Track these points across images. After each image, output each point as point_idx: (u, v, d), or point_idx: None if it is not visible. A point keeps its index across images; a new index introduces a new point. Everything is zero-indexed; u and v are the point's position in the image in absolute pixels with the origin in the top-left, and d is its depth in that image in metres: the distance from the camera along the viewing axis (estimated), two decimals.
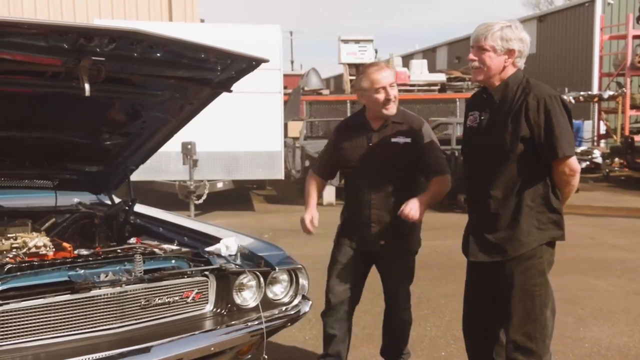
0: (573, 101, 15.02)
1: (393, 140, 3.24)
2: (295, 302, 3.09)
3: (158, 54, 2.74)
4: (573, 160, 2.71)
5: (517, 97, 2.72)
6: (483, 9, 77.10)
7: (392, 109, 3.23)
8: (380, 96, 3.18)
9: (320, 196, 3.58)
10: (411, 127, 3.27)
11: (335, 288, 3.34)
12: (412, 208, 3.08)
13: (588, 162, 14.50)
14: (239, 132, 9.66)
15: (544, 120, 2.66)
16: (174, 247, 3.13)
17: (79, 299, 2.47)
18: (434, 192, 3.26)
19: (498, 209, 2.80)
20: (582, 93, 16.14)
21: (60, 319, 2.44)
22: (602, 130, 17.09)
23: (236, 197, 11.21)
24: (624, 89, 16.25)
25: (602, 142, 17.11)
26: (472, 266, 3.00)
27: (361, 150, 3.28)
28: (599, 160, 14.83)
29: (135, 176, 3.88)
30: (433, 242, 7.92)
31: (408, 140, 3.24)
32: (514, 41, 2.73)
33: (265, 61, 3.06)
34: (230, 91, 3.26)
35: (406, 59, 21.08)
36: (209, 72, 3.09)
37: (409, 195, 3.17)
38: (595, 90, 17.98)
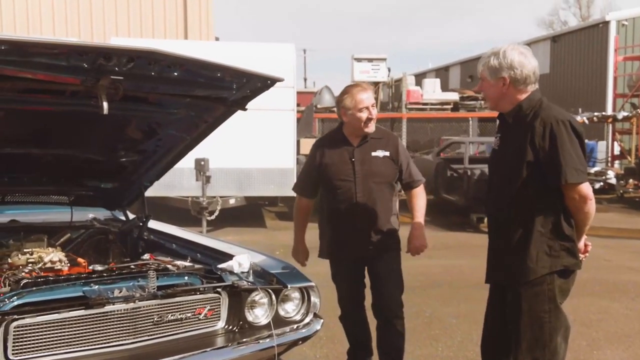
0: (587, 122, 14.95)
1: (373, 154, 3.52)
2: (307, 320, 3.10)
3: (175, 73, 2.77)
4: (583, 187, 2.65)
5: (528, 120, 2.71)
6: (496, 29, 77.22)
7: (372, 127, 3.50)
8: (363, 115, 3.44)
9: (308, 219, 3.84)
10: (388, 141, 3.58)
11: (344, 295, 3.65)
12: (418, 238, 3.55)
13: (602, 183, 14.40)
14: (251, 149, 9.71)
15: (548, 146, 2.63)
16: (187, 263, 3.16)
17: (92, 314, 2.49)
18: (422, 205, 3.67)
19: (508, 232, 2.79)
20: (596, 114, 16.04)
21: (74, 334, 2.46)
22: (616, 151, 16.99)
23: (248, 213, 11.23)
24: (638, 109, 16.14)
25: (616, 163, 16.98)
26: (492, 287, 3.01)
27: (344, 166, 3.51)
28: (613, 181, 14.72)
29: (148, 192, 3.92)
30: (445, 262, 7.88)
31: (387, 153, 3.53)
32: (502, 69, 2.73)
33: (280, 80, 3.09)
34: (245, 109, 3.29)
35: (419, 78, 21.15)
36: (225, 91, 3.12)
37: (390, 202, 3.56)
38: (609, 111, 17.89)
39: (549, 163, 2.64)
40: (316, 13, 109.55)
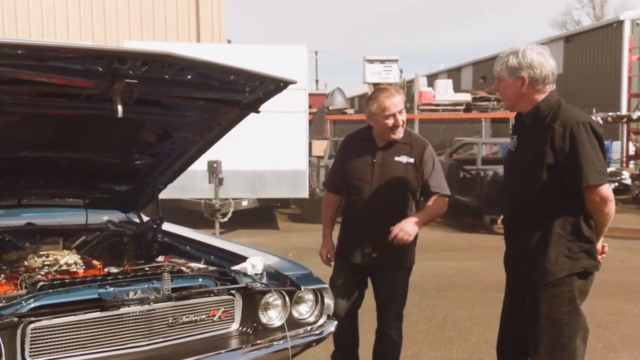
0: (601, 122, 14.80)
1: (397, 159, 3.36)
2: (321, 321, 3.09)
3: (189, 77, 2.78)
4: (604, 189, 2.63)
5: (547, 122, 2.69)
6: (509, 29, 76.95)
7: (399, 134, 3.35)
8: (390, 122, 3.30)
9: (337, 215, 3.71)
10: (415, 147, 3.40)
11: (339, 301, 3.42)
12: (402, 228, 3.20)
13: (617, 184, 14.26)
14: (264, 151, 9.76)
15: (569, 148, 2.62)
16: (201, 265, 3.16)
17: (108, 316, 2.50)
18: (430, 212, 3.39)
19: (526, 235, 2.77)
20: (610, 114, 15.90)
21: (90, 336, 2.47)
22: (631, 151, 16.83)
23: (261, 215, 11.26)
24: None
25: (631, 163, 16.82)
26: (508, 290, 3.00)
27: (364, 166, 3.40)
28: (628, 181, 14.57)
29: (162, 194, 3.94)
30: (458, 264, 7.85)
31: (411, 160, 3.37)
32: (521, 69, 2.71)
33: (293, 82, 3.10)
34: (258, 112, 3.30)
35: (431, 79, 21.09)
36: (238, 94, 3.13)
37: (405, 214, 3.32)
38: (624, 111, 17.73)
39: (569, 165, 2.62)
40: (328, 16, 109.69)
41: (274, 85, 3.10)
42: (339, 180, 3.58)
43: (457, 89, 18.61)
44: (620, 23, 20.09)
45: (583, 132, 2.62)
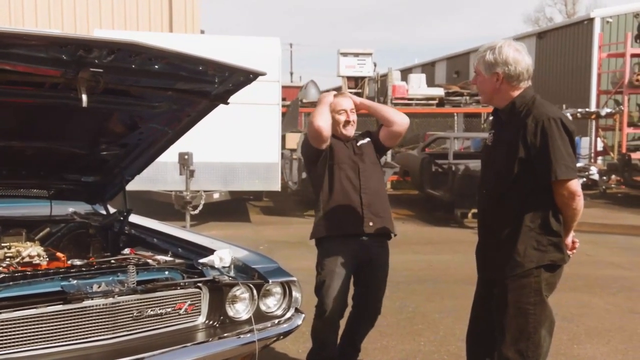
0: (571, 118, 15.09)
1: (360, 143, 3.75)
2: (288, 314, 3.10)
3: (156, 66, 2.76)
4: (572, 184, 2.70)
5: (521, 117, 2.75)
6: (484, 25, 77.55)
7: (350, 131, 3.70)
8: (342, 117, 3.66)
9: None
10: (363, 133, 3.86)
11: (330, 295, 3.53)
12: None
13: (585, 179, 14.54)
14: (236, 143, 9.68)
15: (540, 143, 2.68)
16: (168, 258, 3.14)
17: (71, 309, 2.47)
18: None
19: (498, 227, 2.83)
20: (579, 110, 16.23)
21: (53, 329, 2.44)
22: (600, 147, 17.16)
23: (232, 208, 11.21)
24: (621, 106, 16.34)
25: (599, 159, 17.16)
26: (479, 281, 3.06)
27: (345, 151, 3.69)
28: (596, 177, 14.87)
29: (132, 186, 3.90)
30: (429, 257, 7.93)
31: (368, 139, 3.79)
32: (496, 65, 2.77)
33: (263, 74, 3.09)
34: (228, 103, 3.29)
35: (405, 73, 21.20)
36: (207, 85, 3.11)
37: (382, 180, 3.89)
38: (593, 108, 18.08)
39: (539, 160, 2.68)
40: (304, 9, 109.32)
41: (244, 77, 3.08)
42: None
43: (430, 83, 18.73)
44: (591, 21, 20.44)
45: (554, 128, 2.68)
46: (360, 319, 3.76)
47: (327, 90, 4.11)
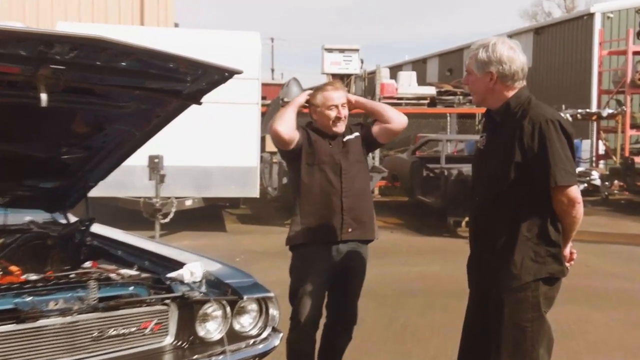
0: (570, 119, 15.24)
1: (346, 138, 3.69)
2: (265, 334, 3.08)
3: (123, 63, 2.74)
4: (572, 190, 2.71)
5: (516, 119, 2.77)
6: (478, 20, 78.45)
7: (340, 127, 3.64)
8: (332, 113, 3.59)
9: None
10: (353, 125, 3.79)
11: (305, 304, 3.51)
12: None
13: (586, 185, 14.68)
14: (211, 146, 9.62)
15: (537, 146, 2.69)
16: (133, 272, 3.11)
17: (25, 329, 2.43)
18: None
19: (492, 237, 2.83)
20: (579, 111, 16.36)
21: (5, 351, 2.39)
22: (601, 150, 17.34)
23: (207, 216, 11.14)
24: (623, 107, 16.52)
25: (601, 163, 17.34)
26: (472, 294, 3.05)
27: (328, 149, 3.65)
28: (598, 182, 15.00)
29: (96, 192, 3.86)
30: (419, 268, 7.94)
31: (357, 134, 3.74)
32: (490, 64, 2.79)
33: (239, 72, 3.08)
34: (200, 104, 3.28)
35: (394, 70, 21.26)
36: (178, 83, 3.10)
37: (367, 179, 3.82)
38: (594, 108, 18.27)
39: (537, 164, 2.70)
40: (287, 1, 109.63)
41: (218, 75, 3.07)
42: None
43: (422, 81, 18.83)
44: (591, 16, 20.71)
45: (552, 130, 2.70)
46: (336, 328, 3.74)
47: (311, 89, 4.06)
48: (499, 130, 2.86)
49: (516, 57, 2.80)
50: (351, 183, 3.61)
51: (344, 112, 3.62)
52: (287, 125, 3.53)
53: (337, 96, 3.61)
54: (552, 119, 2.73)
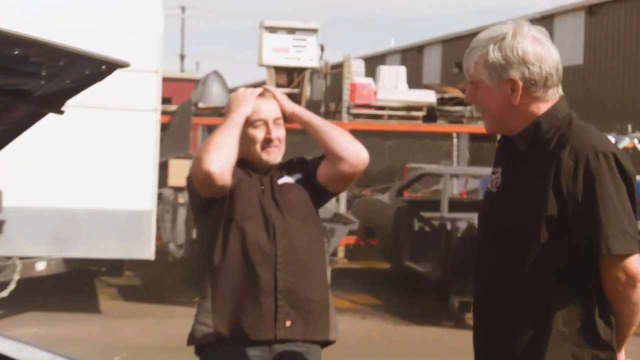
0: (635, 144, 15.42)
1: (282, 181, 3.76)
2: None
3: None
4: (632, 261, 2.71)
5: (551, 149, 2.78)
6: None
7: (273, 156, 3.74)
8: (259, 133, 3.68)
9: None
10: (290, 162, 3.87)
11: None
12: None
13: None
14: (79, 177, 9.58)
15: (582, 193, 2.70)
16: None
17: None
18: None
19: (510, 330, 2.86)
20: None
21: None
22: None
23: (70, 287, 11.05)
24: None
25: None
26: None
27: (257, 195, 3.69)
28: None
29: None
30: None
31: (299, 175, 3.81)
32: (509, 66, 2.78)
33: (124, 65, 3.10)
34: (62, 112, 3.28)
35: (373, 63, 21.50)
36: (28, 80, 3.10)
37: (319, 241, 3.86)
38: None
39: (581, 220, 2.71)
40: None
41: (90, 69, 3.08)
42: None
43: (415, 82, 19.09)
44: None
45: (605, 169, 2.71)
46: None
47: (247, 87, 4.07)
48: (523, 166, 2.87)
49: (546, 52, 2.79)
50: (291, 249, 3.62)
51: (278, 132, 3.70)
52: (225, 160, 3.51)
53: (266, 108, 3.68)
54: (604, 150, 2.73)
